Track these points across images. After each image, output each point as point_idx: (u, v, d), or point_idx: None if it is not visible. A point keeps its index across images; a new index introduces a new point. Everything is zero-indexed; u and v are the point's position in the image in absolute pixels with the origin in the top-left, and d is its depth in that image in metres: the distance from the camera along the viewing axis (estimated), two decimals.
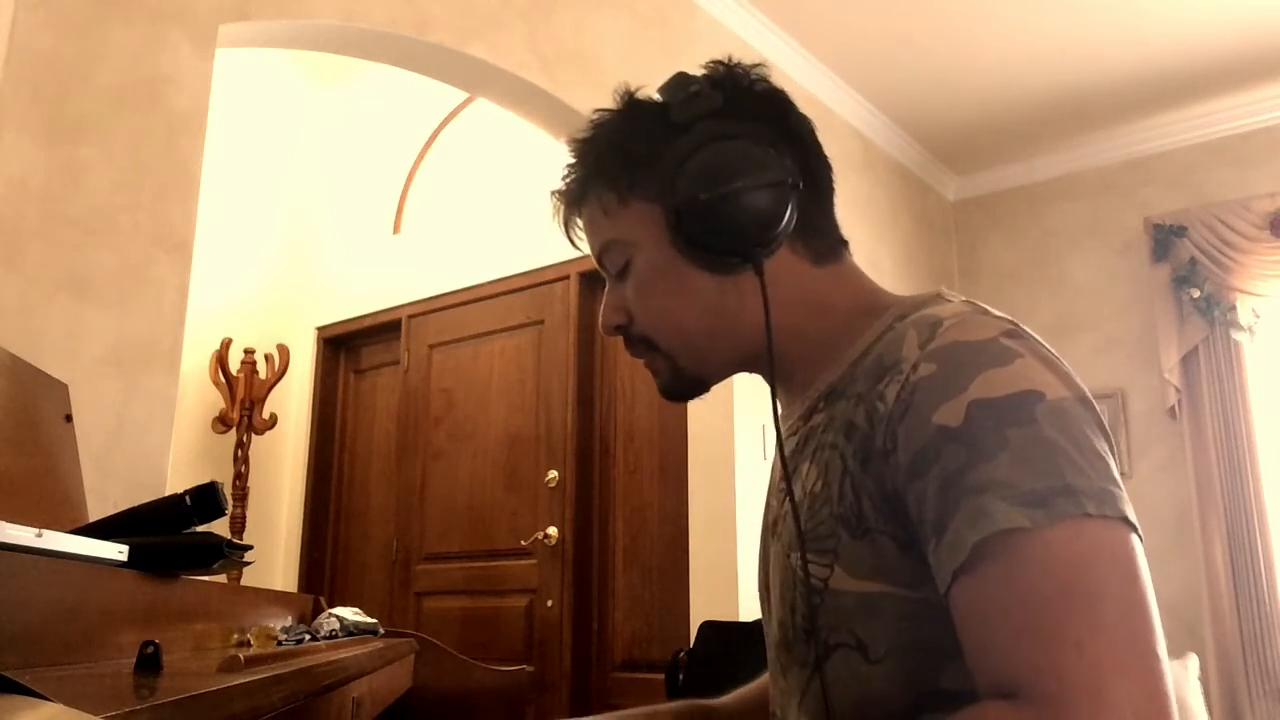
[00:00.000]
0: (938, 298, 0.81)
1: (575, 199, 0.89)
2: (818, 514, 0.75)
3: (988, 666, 0.61)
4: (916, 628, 0.70)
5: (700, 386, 0.89)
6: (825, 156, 0.87)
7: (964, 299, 0.79)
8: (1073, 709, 0.56)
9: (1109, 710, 0.56)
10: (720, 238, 0.79)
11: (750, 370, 0.88)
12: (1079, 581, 0.60)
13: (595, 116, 0.88)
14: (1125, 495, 0.64)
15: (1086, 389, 0.70)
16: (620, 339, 0.89)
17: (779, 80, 0.88)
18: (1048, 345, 0.72)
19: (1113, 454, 0.67)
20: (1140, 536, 0.64)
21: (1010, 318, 0.74)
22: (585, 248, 0.90)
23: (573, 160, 0.89)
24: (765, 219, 0.79)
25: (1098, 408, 0.69)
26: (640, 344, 0.88)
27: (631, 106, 0.87)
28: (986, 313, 0.75)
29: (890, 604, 0.70)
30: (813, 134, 0.87)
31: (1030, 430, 0.64)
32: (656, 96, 0.85)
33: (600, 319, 0.90)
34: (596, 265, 0.89)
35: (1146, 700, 0.57)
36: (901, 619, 0.70)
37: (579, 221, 0.89)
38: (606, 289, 0.89)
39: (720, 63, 0.86)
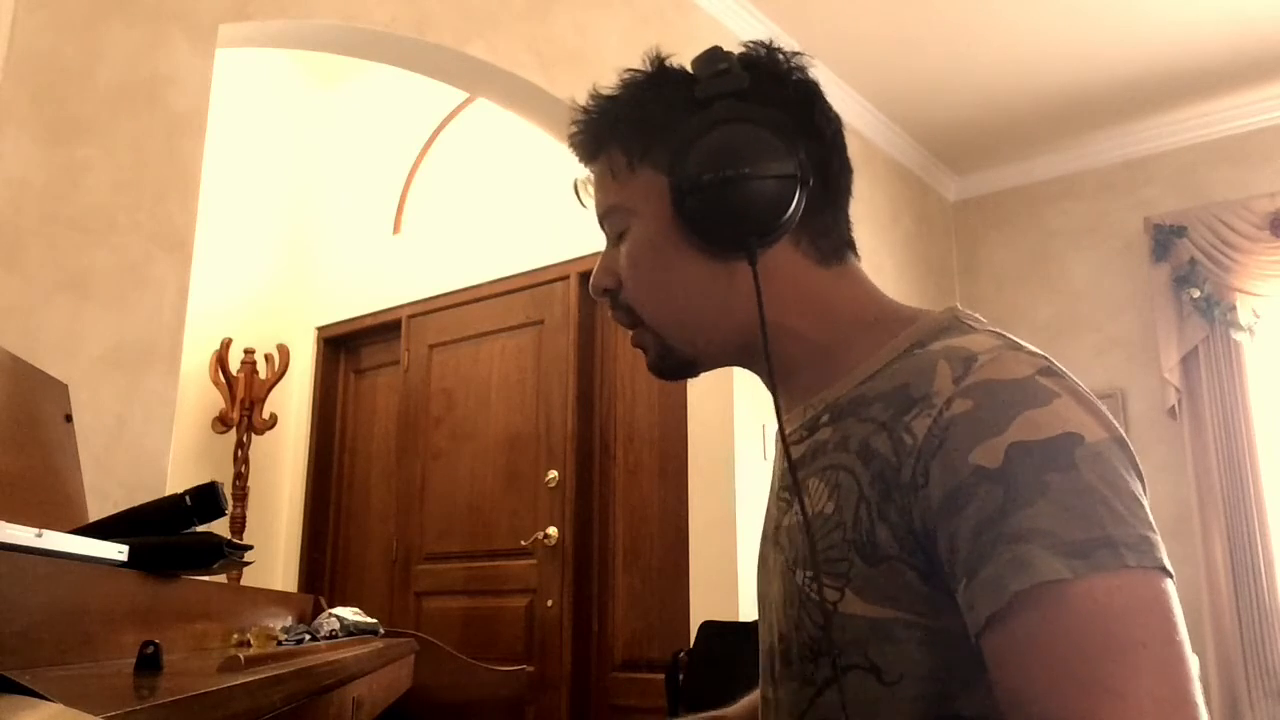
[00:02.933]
0: (959, 322, 0.78)
1: (588, 153, 0.87)
2: (828, 536, 0.74)
3: (1026, 713, 0.61)
4: (933, 654, 0.69)
5: (689, 368, 0.87)
6: (846, 158, 0.85)
7: (989, 328, 0.77)
8: None
9: None
10: (718, 222, 0.78)
11: (745, 365, 0.87)
12: (1120, 632, 0.60)
13: (624, 76, 0.86)
14: (1159, 540, 0.64)
15: (1120, 428, 0.69)
16: (616, 323, 0.89)
17: None
18: (1081, 383, 0.71)
19: (1145, 493, 0.67)
20: (1174, 580, 0.64)
21: (1043, 354, 0.73)
22: (591, 205, 0.89)
23: (593, 114, 0.86)
24: (766, 209, 0.77)
25: (1130, 446, 0.69)
26: (624, 311, 0.86)
27: (659, 72, 0.85)
28: (1020, 347, 0.73)
29: (906, 630, 0.70)
30: (838, 133, 0.85)
31: (1070, 476, 0.64)
32: (687, 66, 0.83)
33: (591, 279, 0.89)
34: (599, 224, 0.88)
35: None
36: (918, 645, 0.69)
37: (586, 184, 0.88)
38: (605, 248, 0.88)
39: (761, 44, 0.84)
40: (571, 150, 0.89)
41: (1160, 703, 0.58)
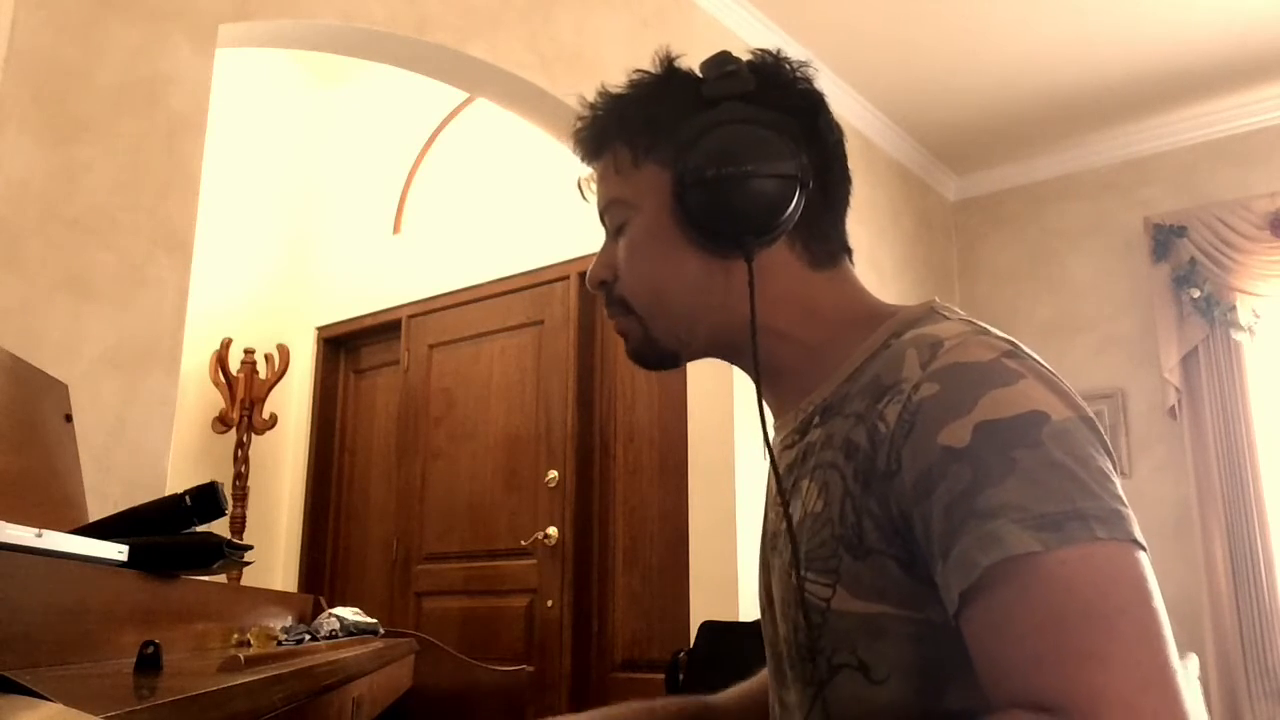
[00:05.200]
0: (933, 313, 0.79)
1: (593, 149, 0.88)
2: (819, 534, 0.74)
3: (1010, 686, 0.61)
4: (920, 649, 0.70)
5: (670, 359, 0.88)
6: (847, 168, 0.87)
7: (961, 316, 0.78)
8: None
9: None
10: (718, 218, 0.79)
11: (727, 358, 0.88)
12: (1097, 600, 0.60)
13: (633, 75, 0.87)
14: (1131, 514, 0.65)
15: (1087, 408, 0.69)
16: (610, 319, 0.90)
17: None
18: (1048, 365, 0.72)
19: (1116, 471, 0.67)
20: (1147, 554, 0.64)
21: (1009, 338, 0.74)
22: (593, 200, 0.90)
23: (599, 110, 0.88)
24: (765, 208, 0.78)
25: (1099, 425, 0.69)
26: (618, 305, 0.88)
27: (668, 72, 0.86)
28: (987, 333, 0.74)
29: (893, 625, 0.70)
30: (839, 143, 0.86)
31: (1037, 452, 0.64)
32: (696, 69, 0.85)
33: (588, 272, 0.90)
34: (599, 218, 0.90)
35: (1171, 715, 0.58)
36: (904, 640, 0.70)
37: (593, 174, 0.89)
38: (603, 243, 0.90)
39: (768, 52, 0.85)
40: (575, 145, 0.90)
41: (1141, 667, 0.59)
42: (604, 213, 0.89)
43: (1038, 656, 0.60)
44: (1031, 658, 0.60)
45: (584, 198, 0.91)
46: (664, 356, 0.88)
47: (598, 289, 0.89)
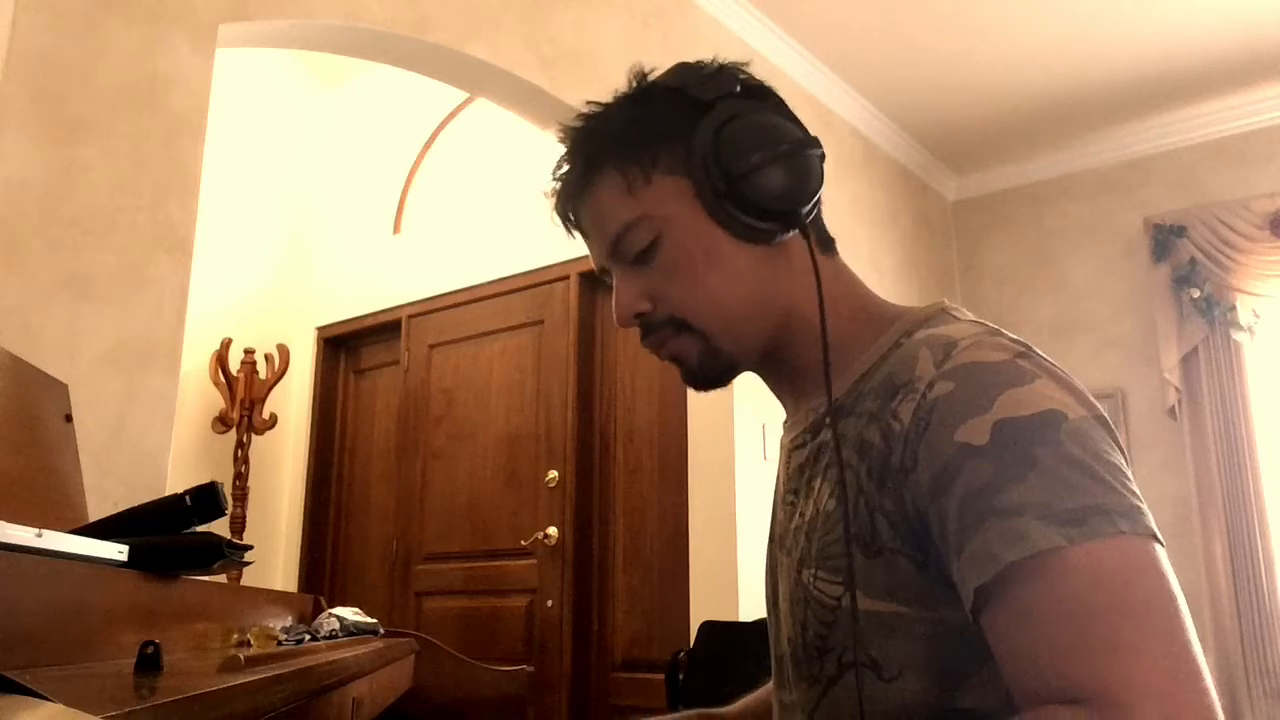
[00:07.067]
0: (943, 314, 0.80)
1: (580, 185, 0.86)
2: (831, 532, 0.75)
3: (1038, 680, 0.61)
4: (932, 647, 0.70)
5: (731, 372, 0.85)
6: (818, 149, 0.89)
7: (972, 318, 0.79)
8: (1143, 712, 0.57)
9: (1179, 712, 0.57)
10: (768, 203, 0.79)
11: (782, 356, 0.85)
12: (1125, 593, 0.61)
13: (611, 100, 0.87)
14: (1148, 509, 0.65)
15: (1100, 406, 0.70)
16: (637, 335, 0.86)
17: (778, 79, 0.88)
18: (1059, 365, 0.72)
19: (1129, 465, 0.68)
20: (1165, 548, 0.65)
21: (1022, 339, 0.74)
22: (582, 239, 0.88)
23: (577, 146, 0.86)
24: (806, 181, 0.80)
25: (1111, 423, 0.70)
26: (668, 327, 0.82)
27: (645, 89, 0.86)
28: (999, 333, 0.74)
29: (904, 624, 0.70)
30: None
31: (1058, 450, 0.64)
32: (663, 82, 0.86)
33: (615, 310, 0.84)
34: (609, 251, 0.84)
35: (1204, 705, 0.58)
36: (917, 639, 0.70)
37: (582, 212, 0.87)
38: (619, 276, 0.84)
39: (713, 60, 0.86)
40: (561, 183, 0.88)
41: (1171, 657, 0.59)
42: (619, 239, 0.82)
43: (1067, 649, 0.60)
44: (1060, 650, 0.60)
45: (571, 235, 0.89)
46: (725, 369, 0.84)
47: (632, 324, 0.84)
